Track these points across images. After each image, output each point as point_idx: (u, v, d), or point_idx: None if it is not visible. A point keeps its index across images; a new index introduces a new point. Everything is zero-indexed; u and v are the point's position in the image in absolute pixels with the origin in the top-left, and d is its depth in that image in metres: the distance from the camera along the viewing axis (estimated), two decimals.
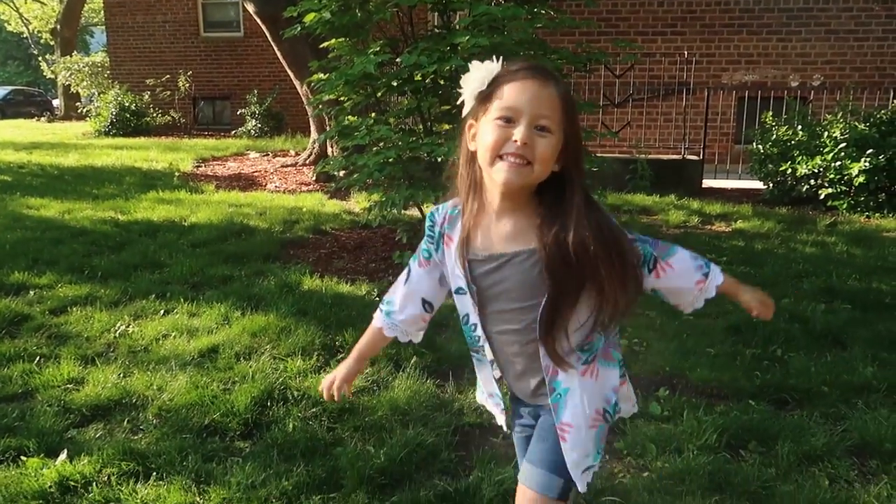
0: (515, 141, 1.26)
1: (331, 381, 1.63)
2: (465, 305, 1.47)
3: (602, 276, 1.29)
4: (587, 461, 1.42)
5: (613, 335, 1.48)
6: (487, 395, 1.64)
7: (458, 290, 1.48)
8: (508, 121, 1.28)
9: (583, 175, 1.35)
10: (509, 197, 1.34)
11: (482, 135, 1.32)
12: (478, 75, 1.33)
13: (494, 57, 1.34)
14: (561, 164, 1.32)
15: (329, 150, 8.75)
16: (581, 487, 1.42)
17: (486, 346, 1.49)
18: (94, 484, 2.31)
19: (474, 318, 1.47)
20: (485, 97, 1.33)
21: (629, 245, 1.36)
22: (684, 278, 1.47)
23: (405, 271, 1.57)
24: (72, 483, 2.30)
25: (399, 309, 1.56)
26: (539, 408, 1.51)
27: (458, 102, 1.39)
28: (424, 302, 1.55)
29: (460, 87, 1.37)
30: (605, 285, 1.30)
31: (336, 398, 1.63)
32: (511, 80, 1.30)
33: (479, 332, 1.47)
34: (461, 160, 1.42)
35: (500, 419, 1.65)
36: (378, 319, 1.60)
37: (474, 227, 1.40)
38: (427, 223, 1.51)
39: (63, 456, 2.46)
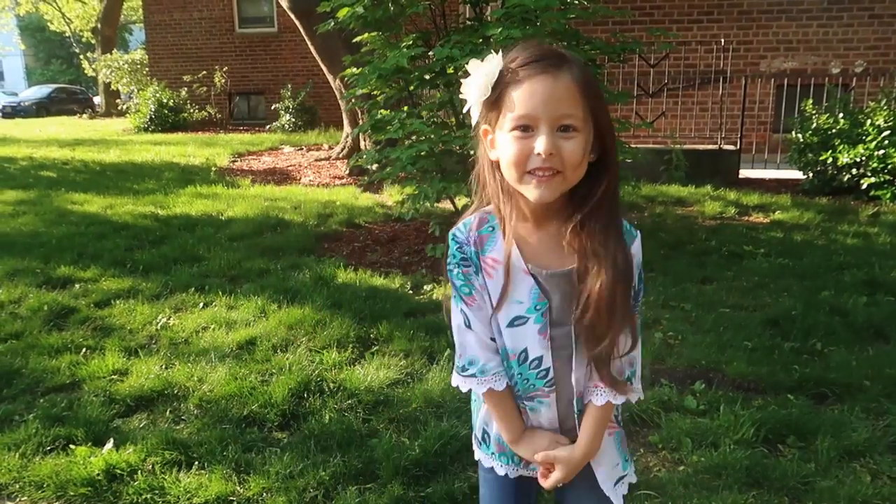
0: (539, 154, 1.11)
1: (541, 458, 1.31)
2: (524, 337, 1.24)
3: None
4: (618, 471, 1.34)
5: None
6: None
7: (515, 322, 1.24)
8: (526, 129, 1.12)
9: (615, 174, 1.20)
10: (544, 206, 1.20)
11: (502, 150, 1.17)
12: (479, 81, 1.16)
13: (493, 50, 1.19)
14: (596, 153, 1.17)
15: (362, 143, 8.81)
16: (614, 497, 1.33)
17: (553, 379, 1.26)
18: (140, 472, 2.38)
19: (540, 350, 1.24)
20: (493, 103, 1.16)
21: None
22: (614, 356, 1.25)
23: (459, 319, 1.28)
24: (118, 471, 2.38)
25: (487, 359, 1.27)
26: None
27: (465, 111, 1.22)
28: (491, 339, 1.29)
29: (462, 94, 1.21)
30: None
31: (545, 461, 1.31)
32: (517, 82, 1.12)
33: (549, 362, 1.25)
34: (484, 169, 1.25)
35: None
36: (475, 384, 1.28)
37: (520, 239, 1.22)
38: (452, 249, 1.25)
39: (110, 445, 2.54)
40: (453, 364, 1.34)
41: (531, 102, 1.11)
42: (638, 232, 1.26)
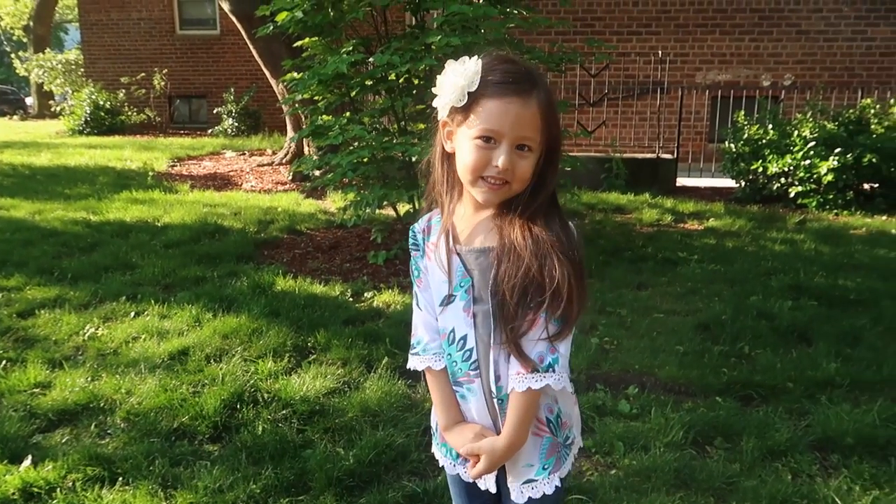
0: (496, 166, 1.22)
1: (465, 451, 1.35)
2: (453, 316, 1.32)
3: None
4: (529, 472, 1.33)
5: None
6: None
7: (445, 300, 1.32)
8: (489, 140, 1.22)
9: (554, 181, 1.30)
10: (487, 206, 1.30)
11: (461, 151, 1.26)
12: (457, 82, 1.23)
13: (467, 58, 1.25)
14: (538, 171, 1.27)
15: (306, 149, 8.71)
16: (514, 496, 1.33)
17: (480, 363, 1.30)
18: (59, 490, 2.28)
19: (464, 328, 1.30)
20: (464, 107, 1.25)
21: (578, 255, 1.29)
22: (532, 341, 1.25)
23: (413, 300, 1.44)
24: (35, 489, 2.27)
25: (430, 339, 1.39)
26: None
27: (433, 105, 1.30)
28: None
29: (434, 88, 1.29)
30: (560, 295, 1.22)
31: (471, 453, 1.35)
32: (492, 97, 1.22)
33: (472, 342, 1.30)
34: (436, 158, 1.35)
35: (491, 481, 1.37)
36: (418, 362, 1.40)
37: (457, 222, 1.33)
38: (409, 238, 1.42)
39: (27, 462, 2.43)
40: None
41: (501, 120, 1.21)
42: (576, 230, 1.32)
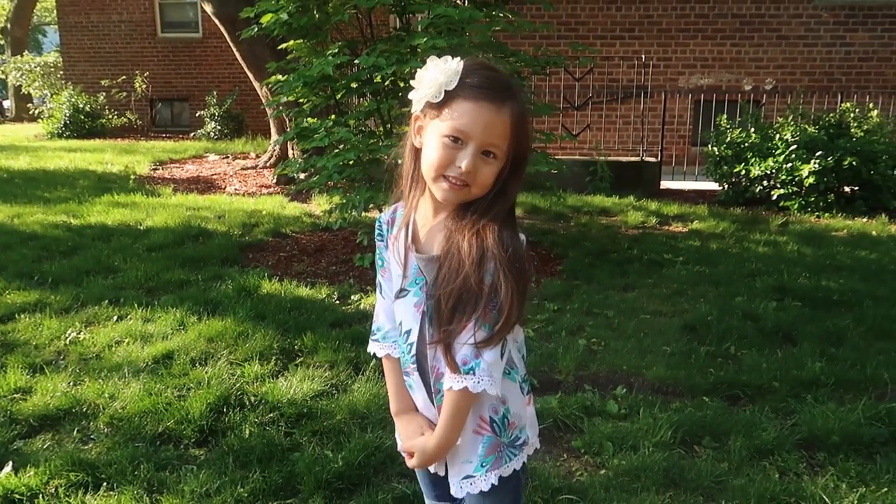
0: (460, 167, 1.23)
1: (402, 448, 1.45)
2: (404, 309, 1.37)
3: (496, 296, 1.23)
4: (467, 468, 1.36)
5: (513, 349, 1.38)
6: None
7: (401, 293, 1.37)
8: (457, 140, 1.24)
9: (515, 192, 1.32)
10: (445, 206, 1.33)
11: (428, 147, 1.28)
12: (436, 79, 1.25)
13: (450, 57, 1.27)
14: (501, 179, 1.29)
15: (290, 151, 8.66)
16: (453, 490, 1.37)
17: (419, 357, 1.36)
18: (41, 496, 2.24)
19: (411, 322, 1.36)
20: (438, 104, 1.27)
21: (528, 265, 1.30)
22: (460, 343, 1.27)
23: (377, 288, 1.49)
24: (17, 496, 2.23)
25: (391, 327, 1.46)
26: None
27: (409, 97, 1.32)
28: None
29: (414, 81, 1.30)
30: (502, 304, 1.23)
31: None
32: (467, 98, 1.23)
33: (415, 336, 1.35)
34: (406, 151, 1.37)
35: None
36: (378, 348, 1.49)
37: (418, 220, 1.36)
38: (375, 228, 1.46)
39: (8, 468, 2.38)
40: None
41: (471, 122, 1.23)
42: (525, 241, 1.32)
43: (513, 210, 1.33)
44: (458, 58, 1.27)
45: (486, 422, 1.35)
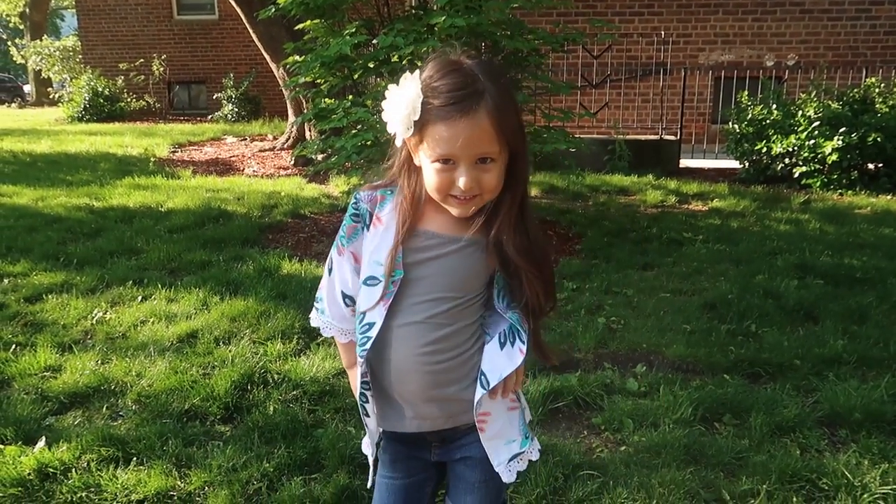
0: (459, 186, 1.20)
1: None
2: (371, 298, 1.30)
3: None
4: (513, 447, 1.35)
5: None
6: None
7: (369, 280, 1.31)
8: (447, 161, 1.20)
9: (526, 174, 1.30)
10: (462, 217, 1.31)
11: (425, 172, 1.24)
12: (401, 111, 1.20)
13: (408, 73, 1.21)
14: (508, 172, 1.27)
15: (307, 133, 8.68)
16: (506, 478, 1.34)
17: (367, 350, 1.31)
18: (74, 470, 2.30)
19: (375, 316, 1.29)
20: (415, 135, 1.22)
21: (550, 257, 1.39)
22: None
23: (328, 263, 1.40)
24: (51, 470, 2.29)
25: (327, 306, 1.41)
26: (448, 446, 1.39)
27: (388, 133, 1.26)
28: (344, 296, 1.38)
29: (383, 113, 1.25)
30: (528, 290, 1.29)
31: None
32: (437, 122, 1.17)
33: (374, 331, 1.29)
34: (401, 157, 1.31)
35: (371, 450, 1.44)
36: (314, 319, 1.45)
37: (415, 210, 1.29)
38: (351, 203, 1.35)
39: (41, 443, 2.44)
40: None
41: (451, 145, 1.18)
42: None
43: (526, 196, 1.31)
44: (416, 73, 1.21)
45: (514, 396, 1.39)
